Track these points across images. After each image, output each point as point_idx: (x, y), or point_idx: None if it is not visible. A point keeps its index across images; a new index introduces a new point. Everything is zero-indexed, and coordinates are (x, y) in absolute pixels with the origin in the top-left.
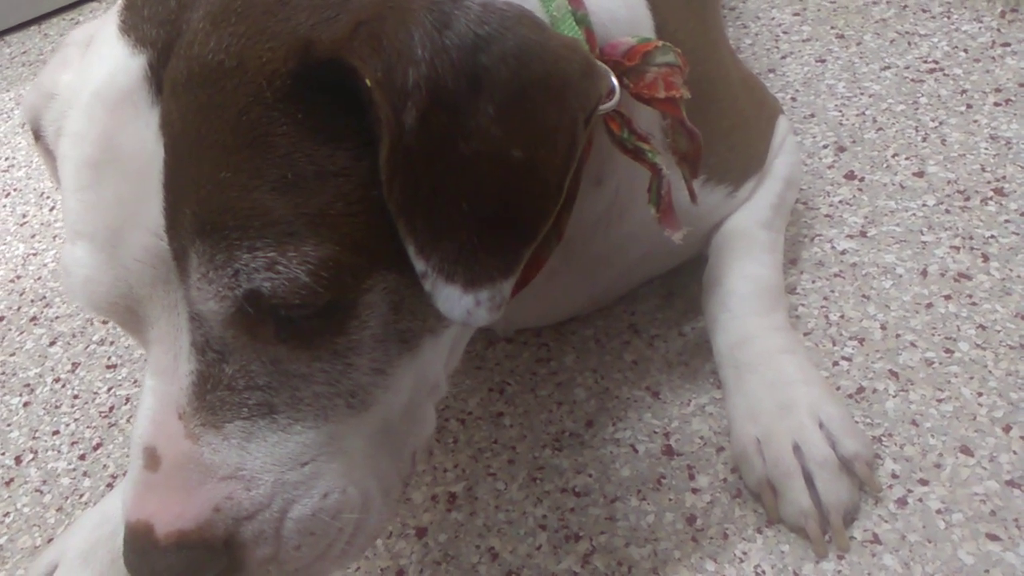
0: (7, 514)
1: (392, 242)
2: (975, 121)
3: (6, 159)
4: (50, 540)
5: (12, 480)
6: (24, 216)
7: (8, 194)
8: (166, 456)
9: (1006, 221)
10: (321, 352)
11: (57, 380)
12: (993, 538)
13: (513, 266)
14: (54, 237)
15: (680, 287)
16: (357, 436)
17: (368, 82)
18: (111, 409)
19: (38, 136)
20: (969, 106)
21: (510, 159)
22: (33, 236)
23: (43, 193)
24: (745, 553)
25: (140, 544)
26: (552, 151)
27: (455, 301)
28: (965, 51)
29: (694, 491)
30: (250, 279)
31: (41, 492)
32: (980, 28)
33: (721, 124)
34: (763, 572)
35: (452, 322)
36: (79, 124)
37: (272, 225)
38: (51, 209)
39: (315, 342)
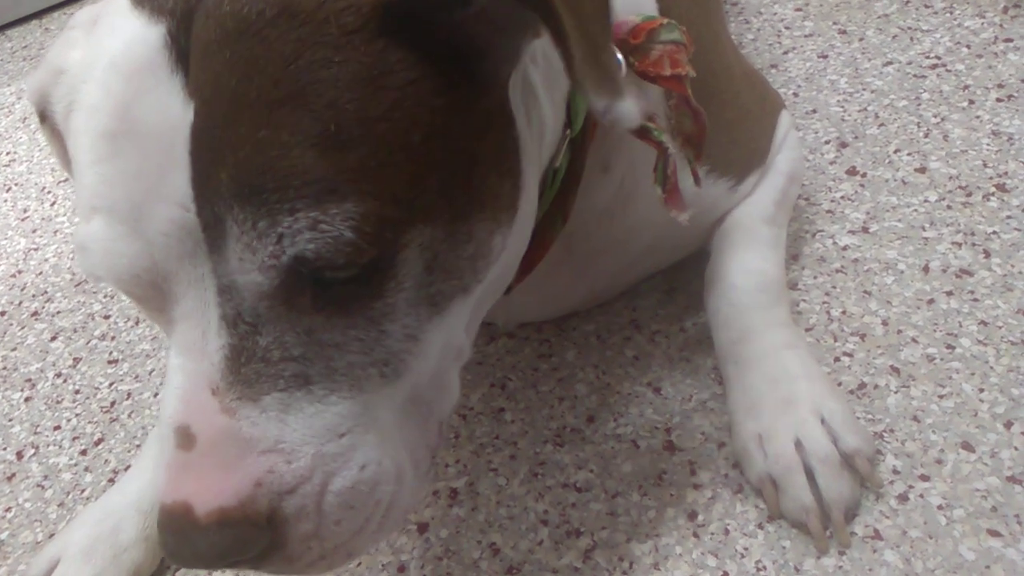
0: (8, 509)
1: (429, 193)
2: (977, 117)
3: (7, 153)
4: (51, 535)
5: (14, 475)
6: (25, 211)
7: (9, 189)
8: (202, 433)
9: (1008, 217)
10: (356, 319)
11: (58, 375)
12: (994, 534)
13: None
14: (55, 232)
15: (682, 283)
16: (388, 406)
17: None
18: (112, 404)
19: (44, 117)
20: (971, 102)
21: None
22: (34, 231)
23: (44, 188)
24: (746, 549)
25: (179, 525)
26: None
27: (630, 111)
28: (967, 47)
29: (695, 487)
30: (294, 242)
31: (43, 487)
32: (982, 24)
33: (724, 116)
34: (764, 568)
35: (485, 277)
36: (94, 97)
37: (313, 183)
38: (52, 204)
39: (351, 309)
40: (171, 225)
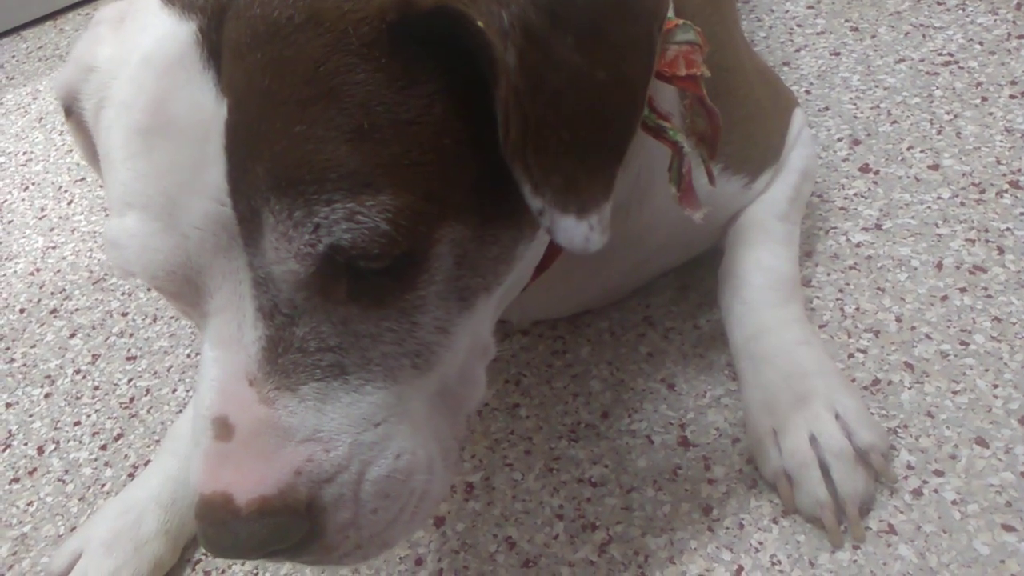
0: (31, 503)
1: (461, 193)
2: (990, 114)
3: (24, 153)
4: (73, 529)
5: (35, 470)
6: (43, 210)
7: (27, 188)
8: (240, 423)
9: (1021, 214)
10: (390, 311)
11: (78, 372)
12: (1009, 529)
13: (610, 187)
14: (72, 230)
15: (695, 280)
16: (420, 398)
17: (480, 24)
18: (131, 400)
19: (70, 112)
20: (984, 99)
21: (596, 82)
22: (52, 229)
23: (61, 187)
24: (761, 543)
25: (219, 515)
26: (632, 66)
27: (573, 231)
28: (980, 44)
29: (710, 482)
30: (331, 232)
31: (63, 482)
32: (995, 20)
33: (737, 114)
34: (779, 562)
35: (504, 280)
36: (126, 93)
37: (349, 176)
38: (69, 203)
39: (385, 300)
40: (206, 219)
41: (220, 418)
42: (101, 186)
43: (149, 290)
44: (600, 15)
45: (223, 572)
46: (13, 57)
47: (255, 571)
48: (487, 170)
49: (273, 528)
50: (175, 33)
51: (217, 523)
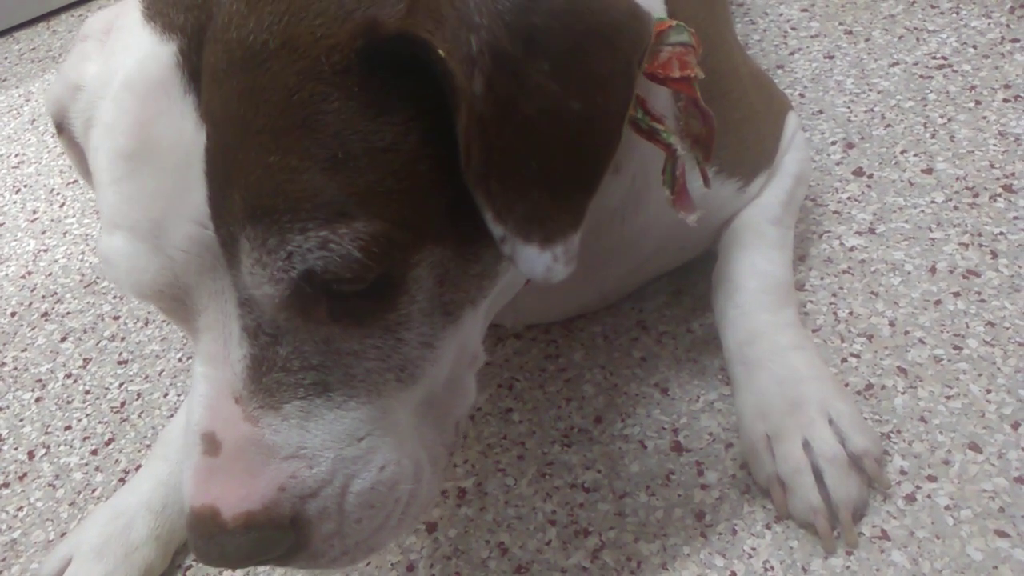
0: (21, 508)
1: (438, 217)
2: (984, 117)
3: (16, 155)
4: (63, 534)
5: (25, 475)
6: (34, 212)
7: (18, 190)
8: (226, 440)
9: (1015, 218)
10: (373, 329)
11: (69, 376)
12: (1002, 534)
13: (580, 218)
14: (64, 233)
15: (688, 285)
16: (405, 409)
17: (441, 53)
18: (123, 405)
19: (61, 128)
20: (978, 102)
21: (570, 112)
22: (43, 232)
23: (53, 190)
24: (754, 549)
25: (207, 528)
26: (609, 98)
27: (535, 260)
28: (974, 47)
29: (703, 487)
30: (304, 260)
31: (54, 487)
32: (989, 24)
33: (731, 117)
34: (772, 568)
35: (489, 293)
36: (110, 115)
37: (323, 206)
38: (61, 205)
39: (367, 320)
40: (190, 242)
41: (208, 434)
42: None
43: None
44: (578, 44)
45: None
46: (5, 59)
47: None
48: (465, 191)
49: (258, 541)
50: (156, 54)
51: (205, 536)
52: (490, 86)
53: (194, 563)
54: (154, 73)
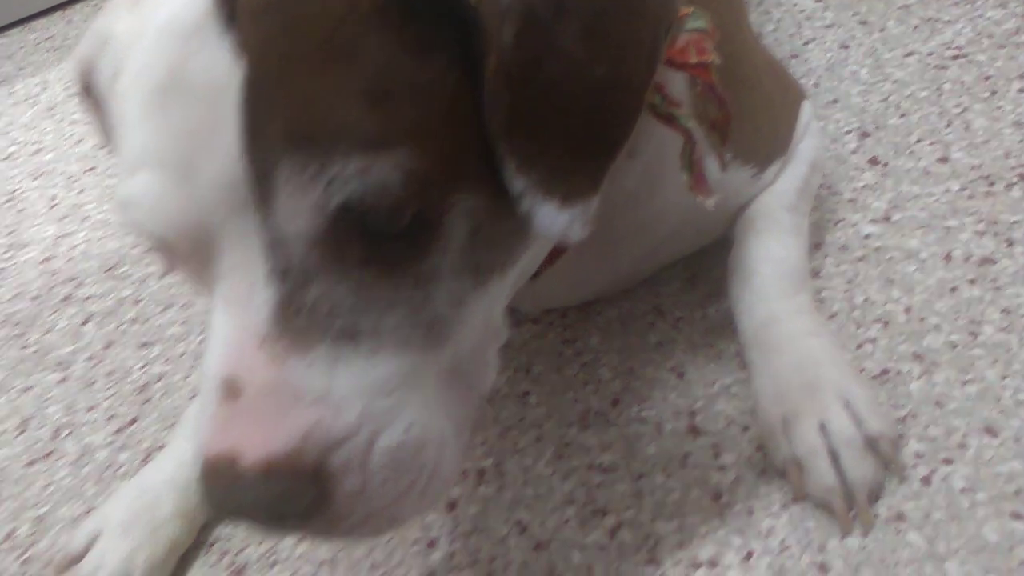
0: (47, 486)
1: (474, 163)
2: (999, 107)
3: (34, 143)
4: (89, 511)
5: (51, 453)
6: (54, 198)
7: (37, 177)
8: (249, 384)
9: None
10: (404, 279)
11: (91, 358)
12: (1017, 516)
13: (598, 182)
14: (84, 219)
15: (704, 270)
16: (432, 373)
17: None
18: (145, 386)
19: (87, 90)
20: (993, 92)
21: (594, 77)
22: (63, 218)
23: (71, 176)
24: (771, 529)
25: (224, 476)
26: (633, 67)
27: (553, 218)
28: (990, 37)
29: (719, 469)
30: (343, 188)
31: (79, 465)
32: (1005, 14)
33: (746, 104)
34: (788, 547)
35: (517, 261)
36: (144, 58)
37: (364, 135)
38: (80, 192)
39: (399, 267)
40: (220, 178)
41: (229, 379)
42: (112, 175)
43: (162, 277)
44: (607, 10)
45: (238, 553)
46: (22, 48)
47: (270, 552)
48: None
49: (279, 491)
50: (193, 2)
51: (222, 484)
52: (518, 40)
53: (220, 538)
54: (190, 16)
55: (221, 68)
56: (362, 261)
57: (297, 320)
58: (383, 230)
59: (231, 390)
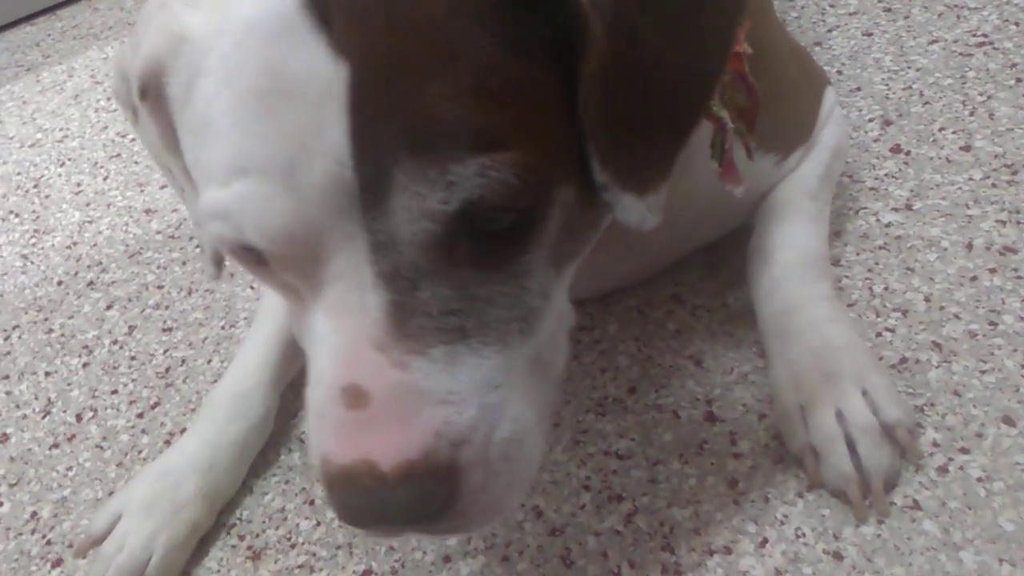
0: (70, 468)
1: (568, 156)
2: None
3: (60, 129)
4: (111, 493)
5: (74, 436)
6: (79, 185)
7: (63, 163)
8: (375, 389)
9: None
10: (503, 275)
11: (115, 342)
12: None
13: (669, 170)
14: (108, 205)
15: (723, 259)
16: (521, 363)
17: None
18: (167, 370)
19: (146, 93)
20: (1018, 80)
21: (672, 66)
22: (88, 204)
23: (96, 163)
24: (786, 516)
25: (364, 484)
26: (708, 55)
27: (631, 208)
28: (1016, 24)
29: (736, 456)
30: (464, 189)
31: (101, 448)
32: None
33: (770, 92)
34: (804, 535)
35: (589, 247)
36: (235, 59)
37: (481, 135)
38: (105, 179)
39: (501, 263)
40: (327, 181)
41: (351, 386)
42: (136, 162)
43: (184, 263)
44: (686, 1)
45: (257, 536)
46: (49, 36)
47: (289, 536)
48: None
49: (420, 493)
50: (279, 1)
51: (362, 491)
52: (609, 33)
53: (239, 521)
54: (279, 14)
55: (322, 68)
56: (468, 260)
57: (412, 323)
58: (491, 228)
59: (355, 398)
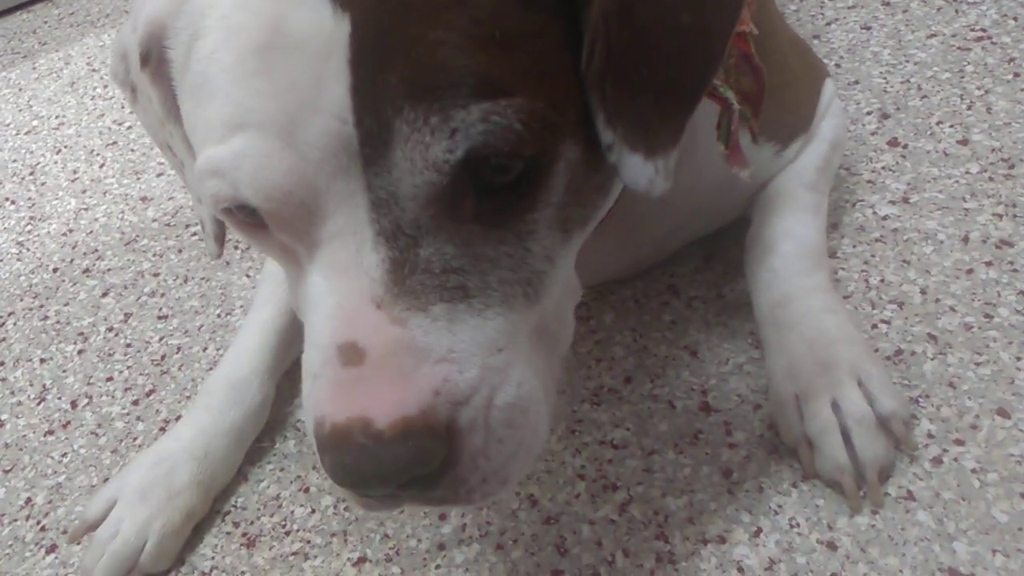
0: (65, 454)
1: (575, 111)
2: (1022, 90)
3: (56, 117)
4: (106, 480)
5: (69, 423)
6: (75, 172)
7: (59, 151)
8: (372, 347)
9: None
10: (507, 234)
11: (110, 330)
12: None
13: (679, 135)
14: (104, 193)
15: (719, 250)
16: (526, 330)
17: None
18: (163, 358)
19: (147, 59)
20: (1016, 75)
21: (680, 24)
22: (84, 191)
23: (93, 150)
24: (780, 506)
25: (359, 442)
26: (717, 16)
27: (639, 170)
28: (1014, 19)
29: (730, 446)
30: (468, 135)
31: (96, 435)
32: None
33: (770, 81)
34: (798, 524)
35: (597, 215)
36: (235, 17)
37: (484, 82)
38: (101, 166)
39: (506, 220)
40: (327, 138)
41: (348, 344)
42: (133, 150)
43: (180, 251)
44: None
45: (251, 523)
46: (45, 23)
47: (283, 523)
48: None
49: (416, 450)
50: None
51: (356, 449)
52: None
53: (234, 507)
54: None
55: (325, 23)
56: (472, 216)
57: (411, 280)
58: (495, 181)
59: (352, 355)
